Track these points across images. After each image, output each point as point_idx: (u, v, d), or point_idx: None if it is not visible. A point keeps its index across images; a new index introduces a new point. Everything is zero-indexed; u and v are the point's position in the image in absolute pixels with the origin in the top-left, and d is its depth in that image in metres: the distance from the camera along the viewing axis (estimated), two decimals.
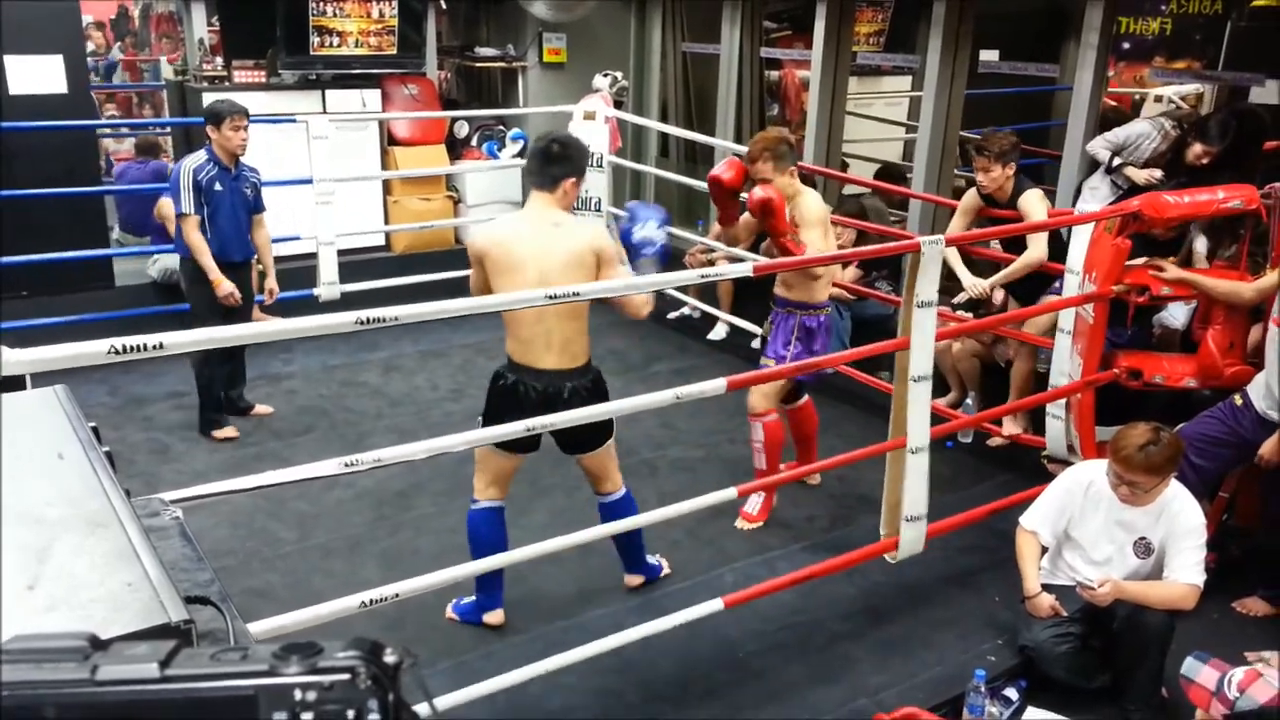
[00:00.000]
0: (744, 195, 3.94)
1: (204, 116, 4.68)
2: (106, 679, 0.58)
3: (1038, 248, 4.23)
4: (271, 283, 4.97)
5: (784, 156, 3.85)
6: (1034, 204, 4.27)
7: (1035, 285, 4.51)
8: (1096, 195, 4.83)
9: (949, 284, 4.48)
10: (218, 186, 4.59)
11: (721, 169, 3.96)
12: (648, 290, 3.12)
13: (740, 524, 4.05)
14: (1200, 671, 2.84)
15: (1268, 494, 3.59)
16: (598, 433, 3.22)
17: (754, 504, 4.07)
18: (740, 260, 4.70)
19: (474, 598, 3.36)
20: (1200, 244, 4.22)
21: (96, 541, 1.03)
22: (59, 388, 1.40)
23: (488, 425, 3.11)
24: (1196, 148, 4.37)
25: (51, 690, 0.57)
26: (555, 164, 3.10)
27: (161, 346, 1.90)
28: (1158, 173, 4.63)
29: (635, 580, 3.61)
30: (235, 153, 4.62)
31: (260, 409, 5.04)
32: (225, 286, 4.57)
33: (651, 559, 3.65)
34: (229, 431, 4.83)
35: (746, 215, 3.99)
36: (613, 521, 3.24)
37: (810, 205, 3.88)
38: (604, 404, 3.06)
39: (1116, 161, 4.76)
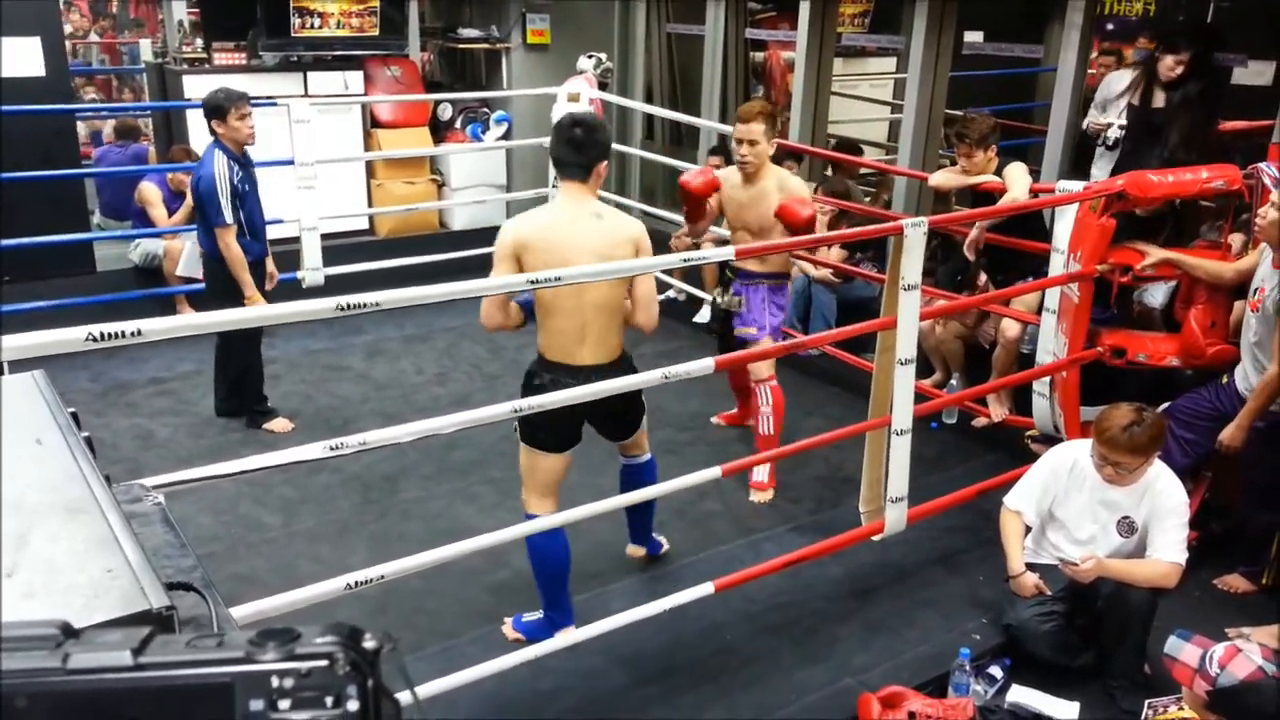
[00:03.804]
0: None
1: (205, 110, 4.43)
2: (78, 668, 0.57)
3: (1017, 188, 4.24)
4: (272, 267, 4.80)
5: (773, 125, 4.06)
6: (1015, 174, 4.29)
7: (1018, 268, 4.51)
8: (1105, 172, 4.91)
9: (930, 264, 4.52)
10: (246, 186, 4.41)
11: (693, 176, 4.12)
12: (639, 272, 3.01)
13: (755, 496, 4.17)
14: (1183, 649, 2.87)
15: (1246, 471, 3.62)
16: (636, 417, 3.23)
17: (762, 473, 4.20)
18: (725, 243, 4.72)
19: (539, 615, 3.21)
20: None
21: (76, 528, 1.02)
22: (37, 373, 1.38)
23: (529, 432, 3.04)
24: (1167, 60, 4.50)
25: (22, 679, 0.56)
26: (583, 150, 2.93)
27: (140, 333, 1.88)
28: (1115, 123, 4.80)
29: (638, 551, 3.63)
30: (246, 143, 4.44)
31: None
32: (259, 297, 4.41)
33: (656, 537, 3.68)
34: (281, 424, 4.68)
35: (710, 206, 4.18)
36: (632, 486, 3.27)
37: (799, 182, 4.11)
38: (579, 388, 2.84)
39: (1099, 118, 4.90)
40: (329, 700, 0.58)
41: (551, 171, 6.39)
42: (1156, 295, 4.35)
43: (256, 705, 0.58)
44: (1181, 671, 2.84)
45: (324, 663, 0.59)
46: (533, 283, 2.53)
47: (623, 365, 3.07)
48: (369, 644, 0.60)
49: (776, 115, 4.19)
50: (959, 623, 3.38)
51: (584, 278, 2.81)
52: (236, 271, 4.38)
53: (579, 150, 2.93)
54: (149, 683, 0.57)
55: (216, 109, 4.36)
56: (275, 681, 0.58)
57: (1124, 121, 4.81)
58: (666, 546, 3.71)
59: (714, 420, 4.86)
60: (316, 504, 4.04)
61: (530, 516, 3.10)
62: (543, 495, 3.12)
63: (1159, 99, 4.67)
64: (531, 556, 3.10)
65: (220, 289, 4.46)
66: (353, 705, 0.59)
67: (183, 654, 0.59)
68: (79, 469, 1.14)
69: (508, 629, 3.27)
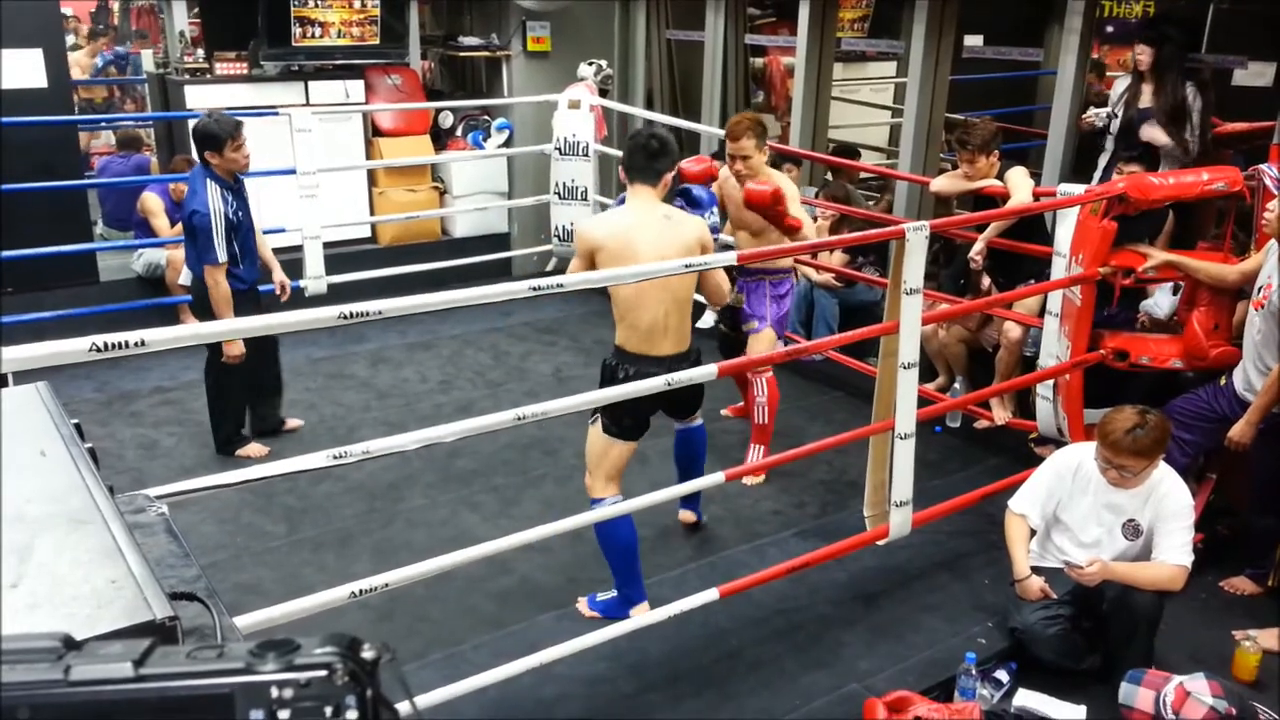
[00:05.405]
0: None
1: (196, 140, 4.16)
2: (80, 679, 0.57)
3: (1021, 193, 4.29)
4: (281, 276, 4.69)
5: (763, 135, 4.14)
6: (1018, 178, 4.34)
7: (1022, 271, 4.52)
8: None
9: (933, 268, 4.53)
10: (240, 214, 4.19)
11: (689, 163, 4.16)
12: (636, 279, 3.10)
13: (748, 480, 4.29)
14: (1137, 696, 2.88)
15: (1255, 473, 3.62)
16: (700, 398, 3.54)
17: (756, 455, 4.35)
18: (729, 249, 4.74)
19: (614, 594, 3.37)
20: None
21: (79, 539, 1.03)
22: (41, 385, 1.39)
23: (614, 421, 3.25)
24: (1137, 48, 4.75)
25: (24, 691, 0.56)
26: (657, 159, 3.23)
27: (144, 344, 1.89)
28: (1102, 113, 4.94)
29: (690, 516, 3.90)
30: (241, 172, 4.20)
31: (292, 423, 4.78)
32: (238, 348, 4.20)
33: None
34: (254, 449, 4.48)
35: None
36: (687, 446, 3.66)
37: (790, 183, 4.22)
38: (593, 392, 3.07)
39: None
40: (328, 710, 0.59)
41: (553, 179, 6.45)
42: (1163, 306, 4.35)
43: (256, 715, 0.58)
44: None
45: (323, 673, 0.59)
46: (535, 289, 2.53)
47: (694, 354, 3.33)
48: (367, 654, 0.61)
49: (764, 124, 4.25)
50: (964, 627, 3.37)
51: (619, 280, 3.03)
52: (219, 308, 4.11)
53: (654, 158, 3.23)
54: (150, 694, 0.58)
55: (213, 140, 4.07)
56: (275, 692, 0.59)
57: (1110, 111, 4.88)
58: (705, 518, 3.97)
59: (723, 413, 4.88)
60: (320, 513, 4.04)
61: (596, 501, 3.28)
62: (610, 479, 3.31)
63: (1145, 97, 4.72)
64: (601, 539, 3.27)
65: (209, 313, 4.22)
66: (351, 715, 0.59)
67: (183, 665, 0.59)
68: (82, 480, 1.14)
69: (582, 606, 3.40)
